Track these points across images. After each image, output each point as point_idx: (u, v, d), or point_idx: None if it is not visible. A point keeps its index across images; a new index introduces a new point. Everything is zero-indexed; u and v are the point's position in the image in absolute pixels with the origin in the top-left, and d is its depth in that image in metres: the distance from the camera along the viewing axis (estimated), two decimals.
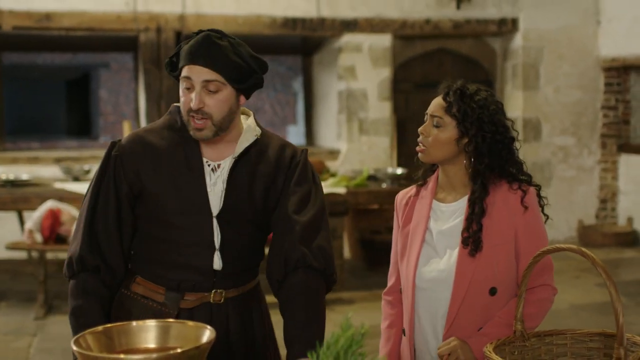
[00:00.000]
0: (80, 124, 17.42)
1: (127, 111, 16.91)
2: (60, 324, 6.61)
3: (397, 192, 8.68)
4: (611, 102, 9.96)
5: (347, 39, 9.52)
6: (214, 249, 2.64)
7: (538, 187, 2.75)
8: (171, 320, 1.95)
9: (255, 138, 2.70)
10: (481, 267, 2.63)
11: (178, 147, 2.66)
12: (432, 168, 2.84)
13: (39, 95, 17.44)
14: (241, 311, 2.74)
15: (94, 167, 8.38)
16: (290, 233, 2.64)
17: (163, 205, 2.63)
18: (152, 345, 1.92)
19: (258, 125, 2.76)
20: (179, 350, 1.79)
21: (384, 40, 9.60)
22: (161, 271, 2.67)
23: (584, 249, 2.14)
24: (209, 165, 2.67)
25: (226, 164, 2.67)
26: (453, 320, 2.66)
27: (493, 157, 2.68)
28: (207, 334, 1.87)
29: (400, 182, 8.09)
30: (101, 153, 11.12)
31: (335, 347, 1.63)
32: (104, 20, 8.83)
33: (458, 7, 9.65)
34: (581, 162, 10.05)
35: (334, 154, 9.69)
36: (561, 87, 9.89)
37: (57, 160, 9.01)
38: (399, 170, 8.31)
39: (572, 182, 10.02)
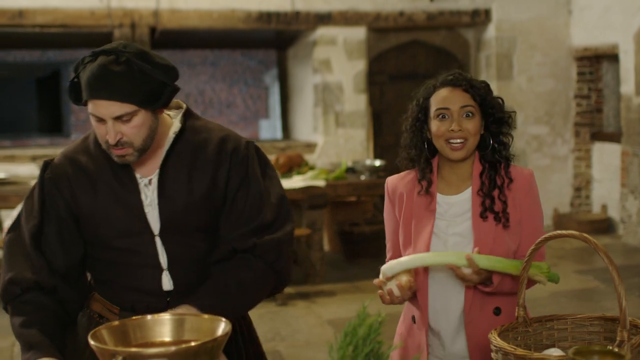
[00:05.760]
0: (51, 122, 17.28)
1: None
2: None
3: (375, 184, 8.60)
4: (584, 91, 10.07)
5: (322, 32, 9.53)
6: (161, 270, 2.49)
7: None
8: (186, 313, 1.96)
9: (172, 140, 2.49)
10: (496, 252, 2.61)
11: (110, 166, 2.48)
12: (429, 166, 2.75)
13: (10, 94, 17.27)
14: None
15: None
16: (242, 228, 2.49)
17: (102, 229, 2.48)
18: (167, 338, 1.93)
19: (187, 116, 2.56)
20: (195, 343, 1.79)
21: (359, 33, 9.62)
22: (113, 292, 2.54)
23: (585, 235, 2.17)
24: (142, 181, 2.49)
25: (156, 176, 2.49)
26: (470, 307, 2.64)
27: (504, 133, 2.71)
28: (223, 326, 1.89)
29: (378, 174, 8.13)
30: None
31: (355, 336, 1.64)
32: (78, 16, 8.77)
33: None
34: (555, 150, 10.15)
35: (310, 147, 9.71)
36: (534, 76, 9.98)
37: (33, 158, 8.94)
38: (377, 162, 8.35)
39: (546, 171, 10.11)
